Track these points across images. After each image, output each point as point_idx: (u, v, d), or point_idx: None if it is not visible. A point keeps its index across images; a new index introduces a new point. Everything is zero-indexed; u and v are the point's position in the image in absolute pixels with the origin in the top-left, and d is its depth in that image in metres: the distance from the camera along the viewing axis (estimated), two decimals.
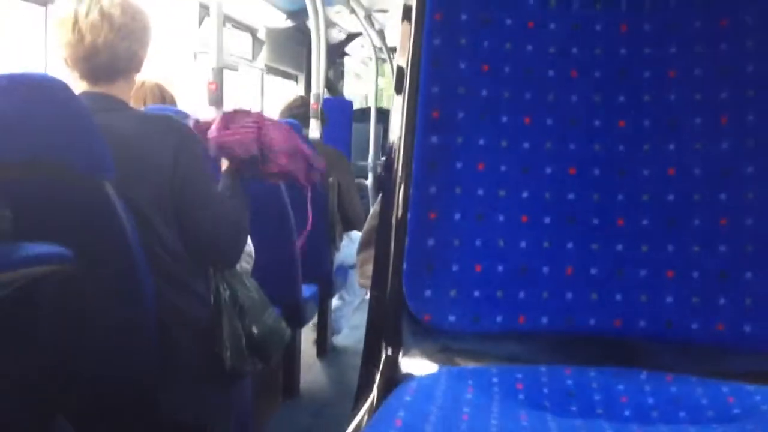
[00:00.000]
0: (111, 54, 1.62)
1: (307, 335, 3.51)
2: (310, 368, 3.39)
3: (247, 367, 1.78)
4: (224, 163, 1.81)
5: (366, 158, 5.34)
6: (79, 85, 1.64)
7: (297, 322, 2.82)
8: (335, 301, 3.70)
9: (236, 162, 1.77)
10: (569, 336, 1.04)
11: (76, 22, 1.61)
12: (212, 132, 1.74)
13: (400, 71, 1.08)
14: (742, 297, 1.01)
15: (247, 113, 1.79)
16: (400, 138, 1.05)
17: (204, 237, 1.66)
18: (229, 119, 1.77)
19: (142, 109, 2.19)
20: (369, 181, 5.21)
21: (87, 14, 1.61)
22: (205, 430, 1.71)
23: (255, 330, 1.80)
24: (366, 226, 1.76)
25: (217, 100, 2.22)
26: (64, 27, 1.62)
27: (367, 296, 1.15)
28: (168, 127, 1.62)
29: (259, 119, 1.78)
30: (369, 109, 5.42)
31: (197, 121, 1.78)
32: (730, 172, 1.01)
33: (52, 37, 1.64)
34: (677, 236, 1.02)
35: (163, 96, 2.35)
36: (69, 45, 1.62)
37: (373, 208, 1.90)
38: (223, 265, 1.76)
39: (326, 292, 3.37)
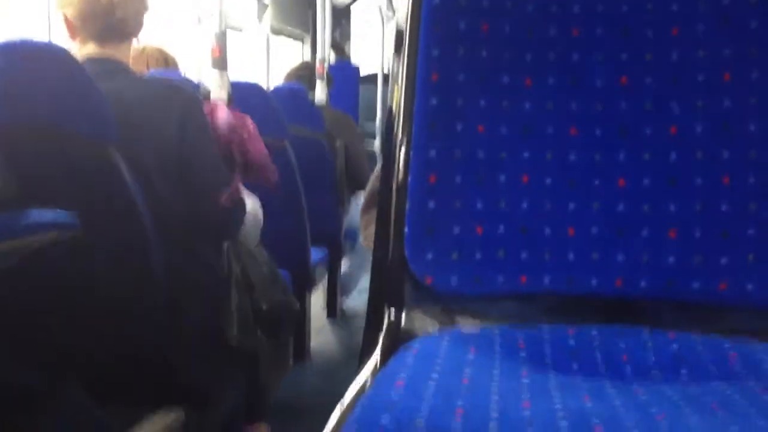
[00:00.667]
0: (123, 13, 1.62)
1: (317, 298, 3.54)
2: (320, 331, 3.42)
3: (255, 343, 1.80)
4: None
5: (374, 121, 5.32)
6: (84, 48, 1.64)
7: (306, 285, 2.85)
8: (344, 263, 3.72)
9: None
10: (571, 296, 1.05)
11: None
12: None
13: (399, 33, 1.07)
14: (745, 255, 1.01)
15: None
16: (399, 100, 1.05)
17: (207, 204, 1.66)
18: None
19: (146, 74, 2.18)
20: (377, 144, 5.19)
21: None
22: (215, 395, 1.73)
23: (264, 306, 1.82)
24: (368, 188, 1.76)
25: (221, 63, 2.20)
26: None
27: None
28: (172, 92, 1.62)
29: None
30: (377, 72, 5.39)
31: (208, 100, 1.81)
32: (732, 130, 1.00)
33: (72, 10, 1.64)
34: (679, 195, 1.01)
35: (165, 60, 2.34)
36: (84, 5, 1.62)
37: (375, 170, 1.90)
38: (222, 234, 1.77)
39: (335, 254, 3.39)
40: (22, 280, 1.28)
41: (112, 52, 1.65)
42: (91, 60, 1.63)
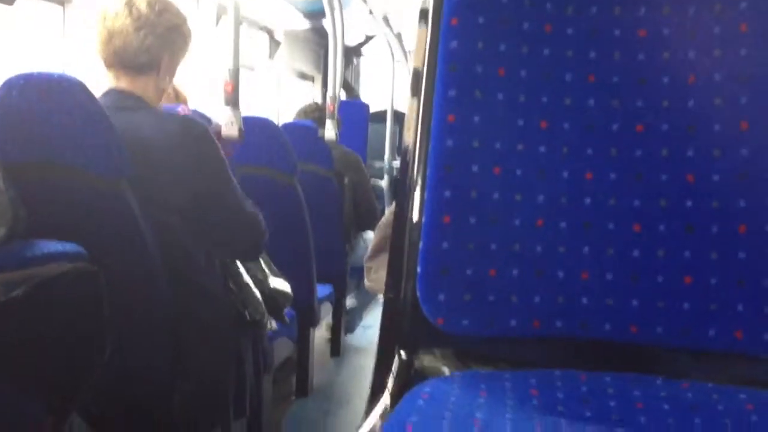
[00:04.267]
0: (125, 40, 1.64)
1: (321, 334, 3.52)
2: (324, 367, 3.40)
3: (265, 320, 1.90)
4: None
5: (382, 159, 5.34)
6: (107, 79, 1.68)
7: (311, 321, 2.84)
8: (349, 301, 3.71)
9: None
10: (584, 341, 1.03)
11: (105, 15, 1.66)
12: None
13: (416, 74, 1.08)
14: (761, 304, 1.00)
15: None
16: (415, 141, 1.05)
17: (226, 239, 1.69)
18: None
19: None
20: (384, 182, 5.21)
21: (115, 6, 1.65)
22: (217, 429, 1.71)
23: (266, 290, 1.93)
24: (378, 235, 1.77)
25: (233, 100, 2.22)
26: (97, 23, 1.67)
27: (380, 297, 1.15)
28: (187, 128, 1.63)
29: None
30: (386, 110, 5.43)
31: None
32: (749, 179, 1.00)
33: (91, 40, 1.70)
34: (695, 242, 1.01)
35: (177, 96, 2.36)
36: (96, 34, 1.66)
37: (384, 218, 1.91)
38: (252, 254, 1.86)
39: (340, 292, 3.38)
40: (30, 310, 1.27)
41: (128, 84, 1.67)
42: (109, 91, 1.66)
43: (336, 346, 3.63)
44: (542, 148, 1.02)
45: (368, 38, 6.01)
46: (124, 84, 1.67)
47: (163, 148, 1.58)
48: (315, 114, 3.68)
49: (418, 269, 1.00)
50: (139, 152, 1.49)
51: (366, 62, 6.75)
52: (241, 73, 2.30)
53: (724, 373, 1.02)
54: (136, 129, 1.55)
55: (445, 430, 0.80)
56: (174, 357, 1.61)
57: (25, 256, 1.20)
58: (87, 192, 1.45)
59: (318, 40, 5.32)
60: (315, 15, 4.62)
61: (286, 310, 2.17)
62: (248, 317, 1.81)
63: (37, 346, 1.35)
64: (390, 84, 5.41)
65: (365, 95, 6.66)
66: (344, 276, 3.40)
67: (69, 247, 1.26)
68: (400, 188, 1.07)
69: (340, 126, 3.73)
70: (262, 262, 1.97)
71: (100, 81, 1.67)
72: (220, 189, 1.66)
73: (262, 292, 1.90)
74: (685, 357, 1.04)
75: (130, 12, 1.65)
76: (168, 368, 1.58)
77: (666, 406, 0.94)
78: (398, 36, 5.27)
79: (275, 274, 2.01)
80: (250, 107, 4.07)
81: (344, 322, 3.67)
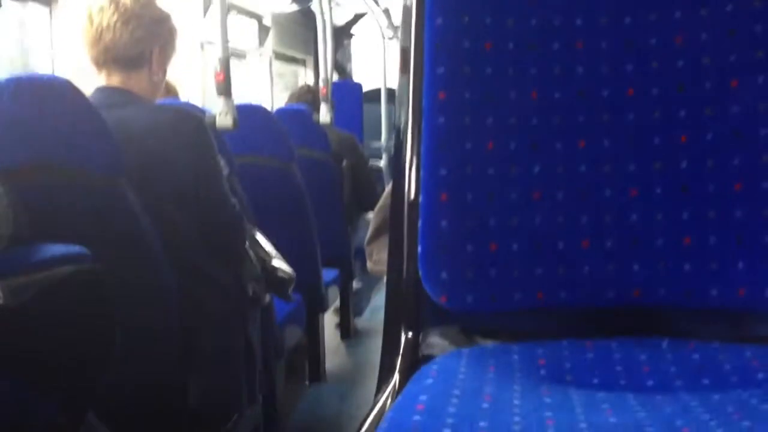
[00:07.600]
0: (114, 36, 1.64)
1: (330, 318, 3.54)
2: (335, 351, 3.42)
3: (266, 296, 1.88)
4: None
5: (379, 139, 5.33)
6: (97, 79, 1.67)
7: (319, 306, 2.84)
8: (355, 283, 3.72)
9: None
10: (589, 309, 1.04)
11: (90, 13, 1.65)
12: None
13: (405, 52, 1.07)
14: (762, 261, 1.00)
15: None
16: (407, 120, 1.05)
17: (216, 229, 1.68)
18: None
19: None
20: (383, 162, 5.20)
21: (98, 2, 1.65)
22: (232, 420, 1.73)
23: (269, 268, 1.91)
24: (376, 217, 1.77)
25: (225, 90, 2.20)
26: (82, 22, 1.66)
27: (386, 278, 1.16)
28: (182, 118, 1.63)
29: None
30: (380, 89, 5.40)
31: None
32: (742, 136, 1.00)
33: (78, 40, 1.70)
34: (692, 203, 1.01)
35: (167, 89, 2.36)
36: (83, 34, 1.66)
37: (381, 200, 1.91)
38: (233, 250, 1.79)
39: (347, 275, 3.39)
40: (37, 313, 1.28)
41: (121, 82, 1.66)
42: (100, 90, 1.65)
43: (346, 329, 3.65)
44: (534, 120, 1.02)
45: (357, 16, 5.97)
46: (116, 82, 1.67)
47: (155, 140, 1.59)
48: (307, 97, 3.67)
49: (419, 248, 1.00)
50: (133, 147, 1.49)
51: (357, 40, 6.71)
52: (231, 61, 2.29)
53: (729, 331, 1.03)
54: (127, 125, 1.55)
55: (456, 407, 0.80)
56: (184, 350, 1.62)
57: (30, 261, 1.20)
58: (86, 191, 1.45)
59: (307, 22, 5.28)
60: None
61: (294, 295, 2.18)
62: (250, 292, 1.80)
63: (46, 348, 1.36)
64: (382, 61, 5.38)
65: (358, 74, 6.62)
66: (349, 259, 3.41)
67: (72, 249, 1.27)
68: (396, 168, 1.07)
69: (334, 108, 3.72)
70: (265, 242, 1.96)
71: (89, 81, 1.67)
72: (210, 174, 1.66)
73: (264, 270, 1.89)
74: (690, 318, 1.04)
75: (117, 7, 1.65)
76: (180, 362, 1.59)
77: (673, 368, 0.94)
78: (386, 12, 5.24)
79: (278, 257, 2.01)
80: (242, 95, 4.06)
81: (352, 305, 3.68)
